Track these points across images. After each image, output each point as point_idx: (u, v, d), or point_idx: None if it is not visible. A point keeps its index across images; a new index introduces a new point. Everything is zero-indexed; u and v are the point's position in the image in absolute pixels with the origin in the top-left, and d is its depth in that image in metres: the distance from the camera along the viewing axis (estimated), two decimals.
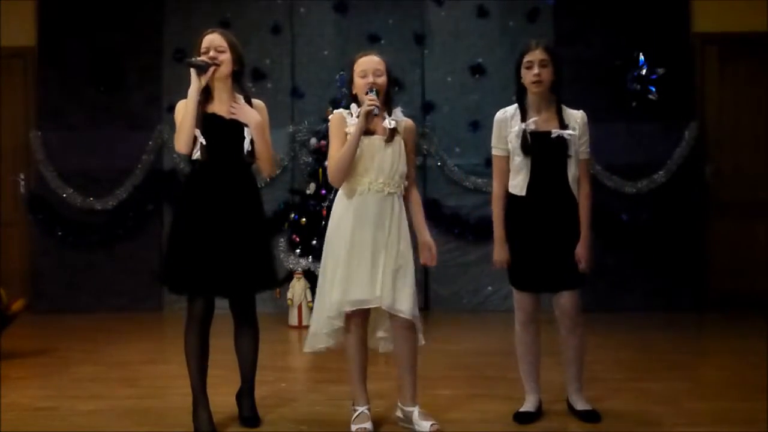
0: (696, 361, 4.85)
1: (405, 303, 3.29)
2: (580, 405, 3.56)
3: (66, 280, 6.84)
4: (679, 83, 6.66)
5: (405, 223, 3.43)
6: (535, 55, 3.42)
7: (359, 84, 3.37)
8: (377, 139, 3.37)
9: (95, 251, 6.84)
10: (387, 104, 3.42)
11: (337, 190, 3.50)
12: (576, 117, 3.51)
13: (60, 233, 6.81)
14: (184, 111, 3.36)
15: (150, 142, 6.83)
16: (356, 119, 3.36)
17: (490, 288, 6.73)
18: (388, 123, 3.37)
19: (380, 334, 3.47)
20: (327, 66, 6.83)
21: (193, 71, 3.35)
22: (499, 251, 3.51)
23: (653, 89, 6.64)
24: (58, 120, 6.89)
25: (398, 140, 3.40)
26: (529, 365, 3.58)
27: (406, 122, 3.47)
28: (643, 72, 6.63)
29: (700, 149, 6.67)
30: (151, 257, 6.70)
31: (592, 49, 6.59)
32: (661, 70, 6.62)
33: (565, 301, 3.49)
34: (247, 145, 3.40)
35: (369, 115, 3.28)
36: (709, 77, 6.82)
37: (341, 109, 3.47)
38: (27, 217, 6.91)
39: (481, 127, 6.73)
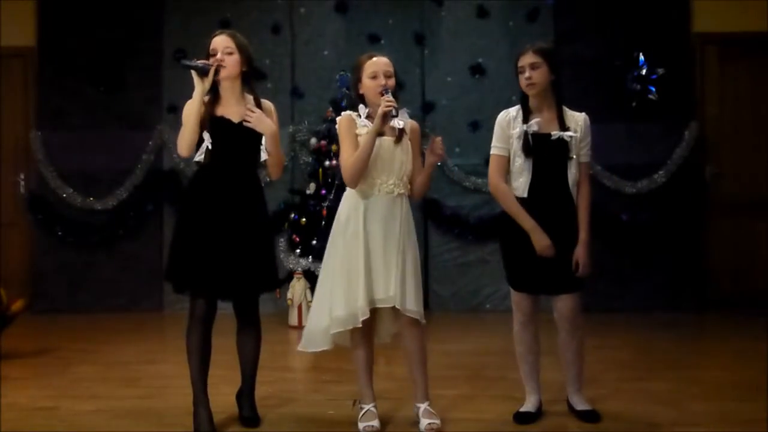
0: (696, 361, 4.84)
1: (414, 302, 3.32)
2: (580, 405, 3.56)
3: (66, 280, 6.83)
4: (679, 83, 6.66)
5: (413, 224, 3.46)
6: (525, 59, 3.42)
7: (369, 85, 3.35)
8: (386, 141, 3.37)
9: (95, 251, 6.83)
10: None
11: (339, 191, 3.49)
12: (578, 119, 3.50)
13: (60, 233, 6.80)
14: (187, 113, 3.33)
15: (150, 142, 6.83)
16: (366, 120, 3.36)
17: (489, 288, 6.73)
18: (397, 123, 3.36)
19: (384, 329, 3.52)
20: (327, 66, 6.82)
21: (194, 74, 3.32)
22: (540, 238, 3.38)
23: (653, 89, 6.64)
24: (58, 120, 6.88)
25: (406, 141, 3.41)
26: (529, 365, 3.58)
27: (412, 123, 3.48)
28: (643, 72, 6.63)
29: (700, 149, 6.67)
30: (151, 257, 6.71)
31: (592, 49, 6.58)
32: (661, 70, 6.62)
33: (563, 304, 3.49)
34: (263, 155, 3.41)
35: (386, 117, 3.28)
36: (709, 77, 6.82)
37: (349, 111, 3.45)
38: (27, 217, 6.90)
39: (481, 127, 6.73)
